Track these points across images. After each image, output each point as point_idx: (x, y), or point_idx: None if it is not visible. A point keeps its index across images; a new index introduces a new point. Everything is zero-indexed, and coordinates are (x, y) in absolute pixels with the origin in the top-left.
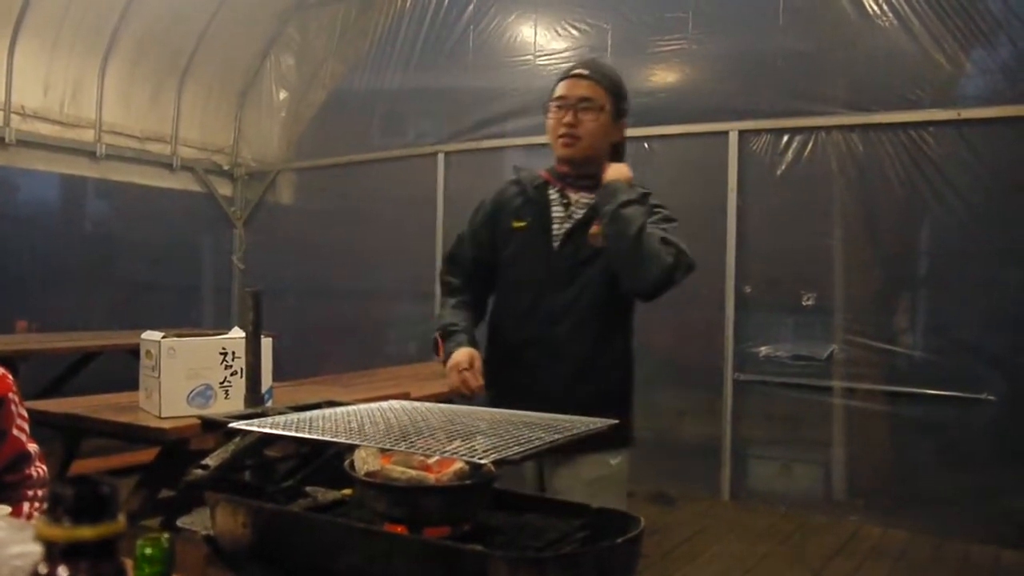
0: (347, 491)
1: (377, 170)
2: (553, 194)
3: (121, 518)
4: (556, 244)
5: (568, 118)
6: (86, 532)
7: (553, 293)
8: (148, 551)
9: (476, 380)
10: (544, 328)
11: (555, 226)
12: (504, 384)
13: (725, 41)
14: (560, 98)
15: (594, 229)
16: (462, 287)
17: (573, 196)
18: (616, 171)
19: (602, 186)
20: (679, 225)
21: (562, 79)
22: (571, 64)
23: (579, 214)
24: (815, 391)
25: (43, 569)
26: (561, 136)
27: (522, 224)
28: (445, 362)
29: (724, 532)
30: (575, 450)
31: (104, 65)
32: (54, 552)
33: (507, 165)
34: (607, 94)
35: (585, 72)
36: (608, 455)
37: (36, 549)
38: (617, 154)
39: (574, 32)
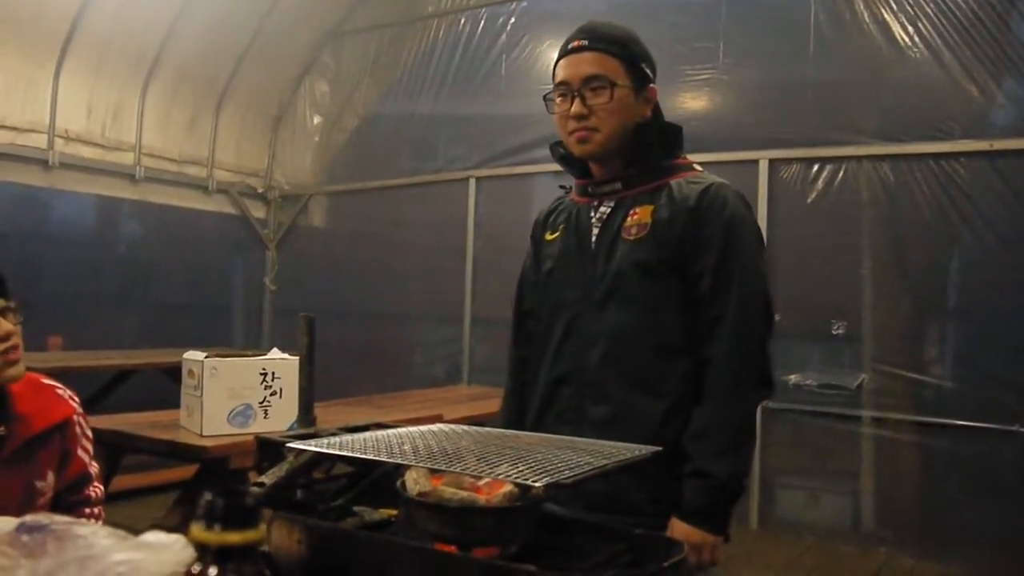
0: (387, 510)
1: (408, 194)
2: (586, 208)
3: (262, 527)
4: (592, 246)
5: (575, 107)
6: (234, 537)
7: (590, 314)
8: None
9: None
10: (576, 361)
11: (594, 229)
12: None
13: (755, 70)
14: (562, 84)
15: (631, 220)
16: (522, 357)
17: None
18: (682, 531)
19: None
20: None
21: (560, 57)
22: (569, 35)
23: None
24: (844, 420)
25: (196, 568)
26: (572, 132)
27: (555, 234)
28: None
29: (752, 562)
30: None
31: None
32: (207, 554)
33: (537, 191)
34: (619, 63)
35: (584, 42)
36: None
37: (139, 557)
38: (653, 130)
39: None
